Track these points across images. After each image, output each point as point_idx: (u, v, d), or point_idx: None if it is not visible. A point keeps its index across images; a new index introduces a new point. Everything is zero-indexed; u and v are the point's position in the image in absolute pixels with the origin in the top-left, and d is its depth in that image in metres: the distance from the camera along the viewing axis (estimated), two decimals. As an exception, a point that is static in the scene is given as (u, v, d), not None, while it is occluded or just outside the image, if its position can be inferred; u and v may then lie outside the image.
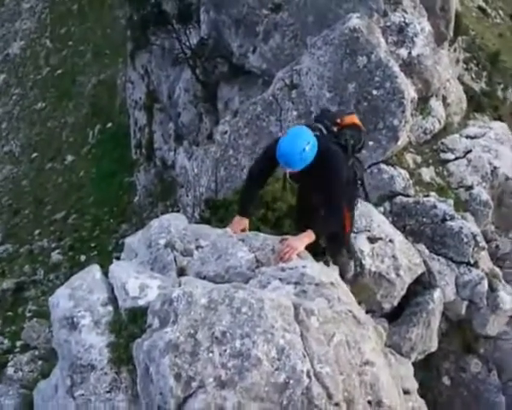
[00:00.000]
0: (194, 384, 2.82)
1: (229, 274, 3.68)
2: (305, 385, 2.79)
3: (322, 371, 2.86)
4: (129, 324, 3.59)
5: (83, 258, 19.50)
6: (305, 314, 3.00)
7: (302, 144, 4.81)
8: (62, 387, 3.77)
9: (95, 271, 4.11)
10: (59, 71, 30.11)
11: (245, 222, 5.14)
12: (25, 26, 33.02)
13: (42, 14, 32.88)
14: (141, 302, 3.63)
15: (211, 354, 2.85)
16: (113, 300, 3.85)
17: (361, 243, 6.60)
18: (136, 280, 3.80)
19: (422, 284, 7.28)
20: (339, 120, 5.60)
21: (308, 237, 4.70)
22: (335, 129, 5.52)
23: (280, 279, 3.26)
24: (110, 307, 3.78)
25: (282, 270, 3.43)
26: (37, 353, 12.22)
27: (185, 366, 2.84)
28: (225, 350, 2.85)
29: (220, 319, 2.93)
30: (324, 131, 5.38)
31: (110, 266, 4.20)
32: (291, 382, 2.79)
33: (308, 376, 2.81)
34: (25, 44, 32.52)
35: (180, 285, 3.57)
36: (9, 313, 17.81)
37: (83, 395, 3.56)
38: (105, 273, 4.21)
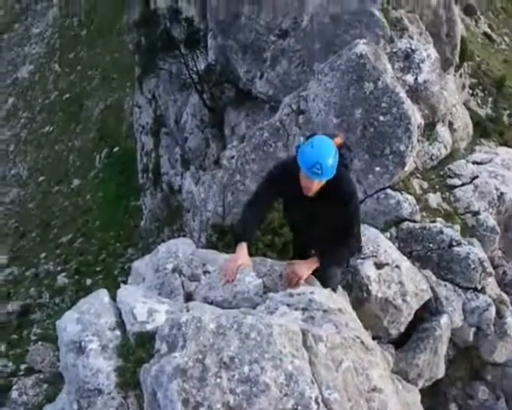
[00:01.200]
0: (202, 410, 2.82)
1: (236, 300, 3.69)
2: (314, 411, 2.79)
3: (330, 397, 2.85)
4: (136, 348, 3.60)
5: (88, 282, 19.53)
6: (314, 340, 3.00)
7: (332, 150, 4.55)
8: (69, 411, 3.77)
9: (103, 295, 4.12)
10: (67, 95, 30.39)
11: (245, 250, 4.70)
12: (34, 51, 33.39)
13: (51, 39, 33.27)
14: (149, 327, 3.63)
15: (219, 380, 2.84)
16: (120, 324, 3.85)
17: (367, 268, 6.59)
18: (144, 305, 3.81)
19: (429, 310, 7.25)
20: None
21: (313, 264, 4.63)
22: None
23: (288, 305, 3.27)
24: (118, 332, 3.79)
25: (290, 296, 3.44)
26: (41, 376, 12.21)
27: (193, 391, 2.84)
28: (234, 376, 2.85)
29: (229, 344, 2.93)
30: None
31: (118, 290, 4.21)
32: (299, 408, 2.78)
33: (316, 402, 2.80)
34: (34, 69, 32.87)
35: (188, 310, 3.58)
36: (14, 336, 17.81)
37: (89, 419, 3.55)
38: (112, 297, 4.22)
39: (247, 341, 2.93)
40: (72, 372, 3.72)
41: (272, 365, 2.83)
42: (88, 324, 3.84)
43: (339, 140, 5.20)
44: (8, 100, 32.60)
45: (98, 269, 20.14)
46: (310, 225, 5.13)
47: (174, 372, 2.90)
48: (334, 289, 5.43)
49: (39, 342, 16.17)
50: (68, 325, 3.94)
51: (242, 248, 4.61)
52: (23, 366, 15.07)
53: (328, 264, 4.97)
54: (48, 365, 14.31)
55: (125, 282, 5.12)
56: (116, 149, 25.59)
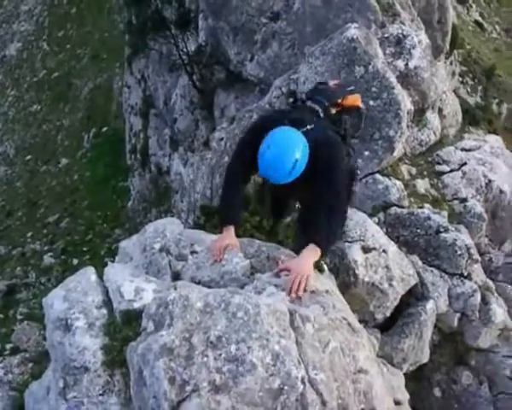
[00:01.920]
0: (188, 388, 2.82)
1: (224, 280, 3.69)
2: (300, 391, 2.79)
3: (316, 377, 2.86)
4: (123, 327, 3.59)
5: (75, 262, 19.46)
6: (301, 321, 3.01)
7: (292, 157, 4.05)
8: (55, 389, 3.76)
9: (90, 273, 4.11)
10: (55, 74, 30.13)
11: (232, 232, 4.49)
12: (22, 28, 33.03)
13: (40, 16, 32.93)
14: (136, 305, 3.63)
15: (205, 359, 2.85)
16: (107, 302, 3.84)
17: (355, 252, 6.60)
18: (131, 283, 3.80)
19: (415, 296, 7.29)
20: (340, 100, 4.94)
21: (314, 253, 3.94)
22: (334, 111, 4.84)
23: (275, 285, 3.27)
24: (105, 310, 3.78)
25: (278, 276, 3.44)
26: (27, 355, 12.15)
27: (180, 369, 2.84)
28: (220, 355, 2.85)
29: (216, 323, 2.94)
30: (321, 114, 4.67)
31: (105, 268, 4.20)
32: (285, 388, 2.79)
33: (302, 382, 2.81)
34: (22, 46, 32.53)
35: (175, 289, 3.57)
36: (0, 316, 17.73)
37: (75, 397, 3.54)
38: (99, 277, 4.21)
39: (234, 320, 2.93)
40: (58, 350, 3.72)
41: (259, 344, 2.83)
42: (75, 301, 3.83)
43: (353, 100, 5.03)
44: (-5, 78, 32.31)
45: (85, 249, 20.07)
46: (294, 197, 5.04)
47: (161, 351, 2.90)
48: None
49: (25, 322, 16.09)
50: (55, 302, 3.92)
51: (229, 229, 4.47)
52: (8, 346, 15.01)
53: (327, 247, 4.28)
54: (33, 344, 14.26)
55: (112, 262, 5.11)
56: (105, 129, 25.44)
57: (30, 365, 11.27)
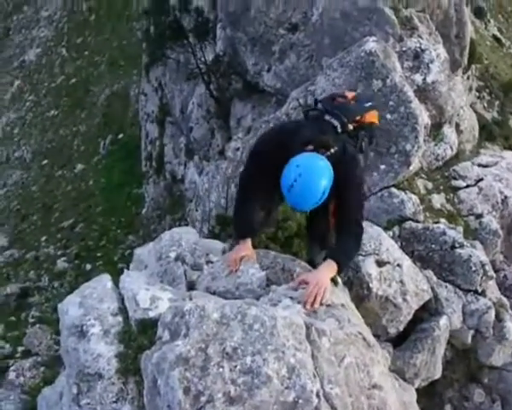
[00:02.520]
0: (202, 399, 2.82)
1: (239, 291, 3.69)
2: (315, 405, 2.79)
3: (331, 392, 2.85)
4: (138, 335, 3.60)
5: (88, 267, 19.54)
6: (317, 334, 3.01)
7: (321, 187, 4.01)
8: (68, 394, 3.78)
9: (105, 280, 4.12)
10: (73, 80, 30.36)
11: (249, 243, 4.50)
12: (42, 34, 33.34)
13: (59, 22, 33.23)
14: (151, 314, 3.64)
15: (221, 370, 2.85)
16: (123, 310, 3.85)
17: (369, 266, 6.57)
18: (146, 292, 3.81)
19: (429, 311, 7.25)
20: (359, 118, 4.80)
21: (331, 268, 4.04)
22: (351, 127, 4.69)
23: (291, 298, 3.27)
24: (120, 318, 3.79)
25: (294, 289, 3.44)
26: (39, 359, 12.21)
27: (195, 380, 2.85)
28: (236, 366, 2.85)
29: (232, 334, 2.94)
30: (339, 129, 4.55)
31: (121, 276, 4.22)
32: (300, 401, 2.79)
33: (317, 396, 2.80)
34: (41, 52, 32.83)
35: (191, 299, 3.58)
36: (12, 318, 17.82)
37: (89, 403, 3.56)
38: (114, 284, 4.22)
39: (250, 332, 2.93)
40: (72, 356, 3.73)
41: (275, 357, 2.83)
42: (90, 308, 3.85)
43: (371, 116, 4.89)
44: (14, 82, 32.57)
45: (98, 255, 20.15)
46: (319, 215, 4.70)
47: (176, 360, 2.90)
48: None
49: (37, 325, 16.15)
50: (70, 308, 3.94)
51: (246, 241, 4.46)
52: (20, 349, 15.07)
53: (344, 262, 4.33)
54: (45, 348, 14.30)
55: (123, 269, 5.12)
56: (121, 135, 25.58)
57: (42, 369, 11.35)
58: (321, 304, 3.57)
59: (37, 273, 20.39)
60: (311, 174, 4.01)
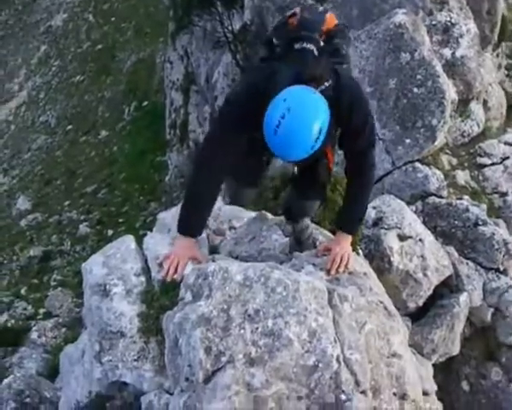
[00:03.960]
0: (223, 359, 2.86)
1: (262, 256, 3.71)
2: (334, 370, 2.81)
3: (351, 357, 2.87)
4: (161, 295, 3.65)
5: (110, 232, 19.71)
6: (339, 300, 3.02)
7: (315, 129, 3.17)
8: (90, 352, 3.85)
9: (129, 241, 4.16)
10: (99, 46, 30.36)
11: (193, 245, 3.82)
12: (69, 0, 33.33)
13: (86, -12, 33.18)
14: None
15: (242, 331, 2.88)
16: (146, 271, 3.90)
17: (390, 239, 6.57)
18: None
19: (449, 287, 7.23)
20: (324, 28, 3.83)
21: (348, 238, 3.84)
22: (322, 43, 3.77)
23: (313, 264, 3.29)
24: (143, 278, 3.84)
25: (316, 256, 3.46)
26: (60, 320, 12.42)
27: (216, 340, 2.88)
28: (257, 328, 2.88)
29: (254, 296, 2.96)
30: (315, 52, 3.67)
31: (145, 237, 4.26)
32: (320, 365, 2.81)
33: (338, 361, 2.83)
34: (68, 17, 32.85)
35: (213, 261, 3.61)
36: (34, 281, 18.07)
37: (110, 361, 3.63)
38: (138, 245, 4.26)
39: (272, 295, 2.95)
40: (95, 314, 3.79)
41: (296, 320, 2.86)
42: (114, 268, 3.89)
43: (331, 19, 3.94)
44: (40, 47, 32.67)
45: (120, 221, 20.30)
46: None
47: (198, 320, 2.94)
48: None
49: (58, 288, 16.39)
50: (94, 267, 4.00)
51: (190, 239, 3.80)
52: (41, 311, 15.31)
53: (357, 231, 4.17)
54: (66, 311, 14.52)
55: (145, 235, 5.16)
56: (145, 103, 25.58)
57: (63, 330, 11.56)
58: (344, 271, 3.50)
59: (59, 237, 20.63)
60: (303, 108, 3.17)
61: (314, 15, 4.02)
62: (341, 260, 3.62)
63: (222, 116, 3.78)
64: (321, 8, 4.48)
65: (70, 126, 27.44)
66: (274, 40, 3.89)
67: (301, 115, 3.14)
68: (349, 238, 3.85)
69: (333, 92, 3.43)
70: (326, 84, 3.42)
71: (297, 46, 3.68)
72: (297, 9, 4.06)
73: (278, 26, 4.11)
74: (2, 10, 36.81)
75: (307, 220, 4.44)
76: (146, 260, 3.97)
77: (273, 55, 3.84)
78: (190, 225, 3.77)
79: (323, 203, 4.74)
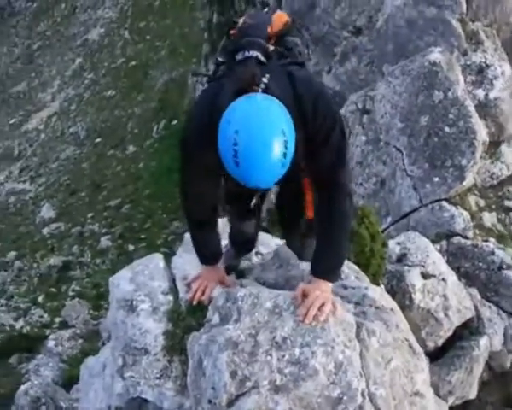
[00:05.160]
0: (248, 384, 2.87)
1: (289, 285, 3.72)
2: (359, 404, 2.81)
3: (376, 392, 2.87)
4: (187, 315, 3.67)
5: (131, 247, 19.80)
6: (367, 334, 3.03)
7: (277, 141, 2.59)
8: (112, 366, 3.88)
9: (158, 259, 4.21)
10: (133, 62, 30.75)
11: (219, 269, 3.78)
12: (106, 15, 33.90)
13: (124, 5, 33.74)
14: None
15: (269, 358, 2.89)
16: (173, 290, 3.93)
17: (413, 277, 6.56)
18: (198, 274, 3.88)
19: (470, 329, 7.17)
20: (270, 29, 3.33)
21: (327, 285, 3.23)
22: (271, 45, 3.26)
23: (341, 297, 3.30)
24: (170, 297, 3.87)
25: (344, 288, 3.46)
26: (78, 331, 12.50)
27: (242, 364, 2.90)
28: (284, 356, 2.89)
29: (283, 324, 2.98)
30: (261, 58, 3.12)
31: (173, 256, 4.31)
32: (345, 398, 2.81)
33: (362, 395, 2.83)
34: (104, 32, 33.35)
35: (241, 286, 3.64)
36: (52, 290, 18.20)
37: (132, 377, 3.65)
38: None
39: (301, 324, 2.97)
40: (120, 329, 3.82)
41: (323, 351, 2.86)
42: (141, 284, 3.94)
43: (280, 18, 3.44)
44: (75, 60, 33.19)
45: (142, 237, 20.39)
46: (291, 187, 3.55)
47: (226, 344, 2.96)
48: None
49: (76, 299, 16.50)
50: (121, 282, 4.04)
51: (214, 266, 3.75)
52: (57, 320, 15.41)
53: (339, 271, 3.46)
54: (81, 322, 14.61)
55: (166, 253, 5.19)
56: (175, 122, 25.78)
57: (80, 341, 11.63)
58: (325, 320, 3.00)
59: (80, 248, 20.76)
60: (252, 124, 2.63)
61: (257, 19, 3.50)
62: (322, 306, 3.08)
63: (182, 159, 3.47)
64: (266, 10, 4.05)
65: (99, 140, 27.74)
66: (219, 58, 3.40)
67: (253, 133, 2.60)
68: (329, 284, 3.25)
69: (293, 98, 2.93)
70: (264, 80, 2.86)
71: (239, 57, 3.17)
72: (240, 19, 3.57)
73: (222, 43, 3.62)
74: (42, 21, 37.53)
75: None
76: (174, 280, 4.01)
77: (217, 75, 3.35)
78: (205, 255, 3.75)
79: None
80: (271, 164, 2.63)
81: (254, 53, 3.11)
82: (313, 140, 3.01)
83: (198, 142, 3.12)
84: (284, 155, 2.62)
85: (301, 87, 2.99)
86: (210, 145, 2.85)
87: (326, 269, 3.26)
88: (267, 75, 2.88)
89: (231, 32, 3.46)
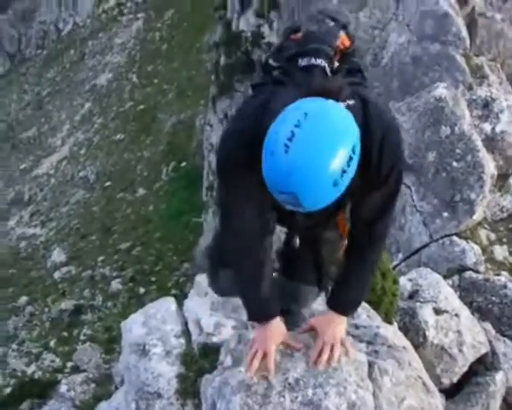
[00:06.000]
0: (262, 426, 2.87)
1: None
2: (373, 444, 2.80)
3: (390, 432, 2.86)
4: (200, 358, 3.68)
5: (142, 290, 19.83)
6: (379, 373, 3.01)
7: (343, 158, 2.13)
8: (125, 410, 3.88)
9: (169, 303, 4.23)
10: (141, 106, 31.13)
11: (280, 326, 3.06)
12: (114, 60, 34.43)
13: (132, 50, 34.28)
14: (214, 339, 3.71)
15: (282, 399, 2.88)
16: (186, 333, 3.95)
17: (426, 313, 6.50)
18: (210, 317, 3.89)
19: (485, 365, 7.08)
20: (338, 43, 2.80)
21: (342, 320, 3.06)
22: (337, 63, 2.76)
23: (353, 336, 3.28)
24: (182, 340, 3.88)
25: (356, 327, 3.45)
26: (90, 375, 12.44)
27: (256, 407, 2.88)
28: (297, 397, 2.88)
29: (295, 366, 2.97)
30: (328, 71, 2.67)
31: (185, 300, 4.32)
32: (359, 438, 2.80)
33: (376, 435, 2.81)
34: (112, 77, 33.85)
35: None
36: (64, 334, 18.21)
37: (146, 421, 3.65)
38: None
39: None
40: (133, 373, 3.83)
41: (336, 391, 2.85)
42: (153, 328, 3.95)
43: (346, 39, 2.87)
44: (84, 105, 33.61)
45: (153, 279, 20.45)
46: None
47: (239, 386, 2.95)
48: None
49: (87, 343, 16.50)
50: (134, 326, 4.05)
51: (272, 321, 3.03)
52: (69, 364, 15.40)
53: (359, 299, 3.12)
54: (93, 366, 14.57)
55: (176, 296, 5.20)
56: (184, 164, 26.04)
57: (92, 385, 11.57)
58: (337, 362, 2.92)
59: (91, 292, 20.81)
60: (325, 117, 2.18)
61: (324, 28, 2.94)
62: (333, 346, 2.95)
63: (221, 188, 3.04)
64: (332, 24, 2.99)
65: (108, 183, 27.96)
66: (270, 61, 2.87)
67: (325, 124, 2.15)
68: (343, 319, 3.06)
69: (361, 119, 2.45)
70: (349, 102, 2.46)
71: (302, 63, 2.70)
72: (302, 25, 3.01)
73: (277, 46, 3.03)
74: (51, 68, 38.17)
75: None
76: (186, 323, 4.02)
77: (269, 80, 2.80)
78: (262, 308, 3.03)
79: (319, 293, 3.58)
80: (326, 172, 2.12)
81: (321, 62, 2.68)
82: (371, 178, 2.57)
83: (240, 159, 2.57)
84: (342, 173, 2.15)
85: (374, 116, 2.53)
86: (256, 164, 2.27)
87: (347, 303, 3.04)
88: (352, 100, 2.48)
89: (292, 36, 2.91)
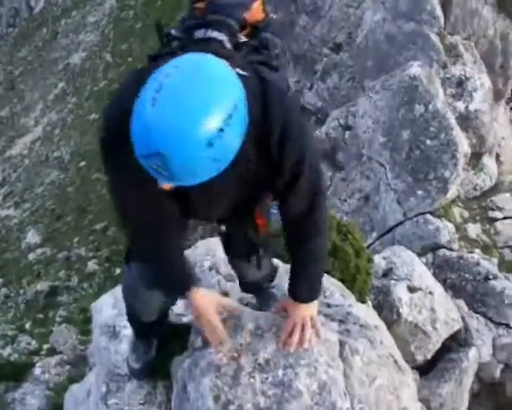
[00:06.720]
0: (232, 408, 2.83)
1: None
2: (344, 423, 2.79)
3: (361, 412, 2.85)
4: (170, 340, 3.63)
5: (117, 271, 19.66)
6: (350, 353, 3.00)
7: (221, 116, 1.86)
8: (96, 393, 3.82)
9: (140, 283, 4.15)
10: (115, 85, 30.71)
11: (208, 293, 2.98)
12: (88, 39, 33.92)
13: (106, 28, 33.78)
14: (184, 320, 3.66)
15: (252, 380, 2.85)
16: (156, 314, 3.88)
17: (400, 291, 6.56)
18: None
19: (458, 341, 7.17)
20: (247, 15, 2.60)
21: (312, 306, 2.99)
22: (243, 35, 2.58)
23: (324, 315, 3.26)
24: (153, 321, 3.82)
25: (328, 306, 3.43)
26: (65, 357, 12.35)
27: (225, 388, 2.86)
28: (267, 378, 2.85)
29: (265, 346, 2.94)
30: (227, 44, 2.47)
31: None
32: (329, 418, 2.79)
33: (347, 415, 2.80)
34: (86, 56, 33.37)
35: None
36: (40, 316, 18.02)
37: (116, 403, 3.59)
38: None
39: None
40: (103, 355, 3.78)
41: (307, 372, 2.83)
42: (123, 310, 3.88)
43: (258, 8, 2.66)
44: (58, 84, 33.14)
45: (128, 259, 20.30)
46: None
47: (208, 368, 2.92)
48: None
49: (63, 325, 16.32)
50: (104, 308, 4.00)
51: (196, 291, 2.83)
52: (45, 346, 15.23)
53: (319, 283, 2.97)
54: (70, 348, 14.44)
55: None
56: (159, 143, 25.83)
57: (67, 367, 11.49)
58: (309, 341, 2.91)
59: (67, 273, 20.60)
60: (197, 72, 1.94)
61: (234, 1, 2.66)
62: (303, 327, 2.91)
63: (104, 167, 2.68)
64: None
65: (83, 163, 27.63)
66: (173, 31, 2.66)
67: (195, 76, 1.91)
68: (312, 306, 2.99)
69: (257, 108, 2.18)
70: (241, 71, 2.14)
71: (198, 35, 2.50)
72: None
73: (183, 16, 2.81)
74: (23, 47, 37.52)
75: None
76: (156, 303, 3.95)
77: (163, 52, 2.56)
78: (182, 279, 2.84)
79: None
80: (197, 127, 1.85)
81: (220, 36, 2.46)
82: (277, 173, 2.37)
83: (119, 138, 2.18)
84: (219, 132, 1.86)
85: (274, 102, 2.25)
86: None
87: (303, 291, 2.93)
88: (246, 72, 2.20)
89: (197, 5, 2.70)
